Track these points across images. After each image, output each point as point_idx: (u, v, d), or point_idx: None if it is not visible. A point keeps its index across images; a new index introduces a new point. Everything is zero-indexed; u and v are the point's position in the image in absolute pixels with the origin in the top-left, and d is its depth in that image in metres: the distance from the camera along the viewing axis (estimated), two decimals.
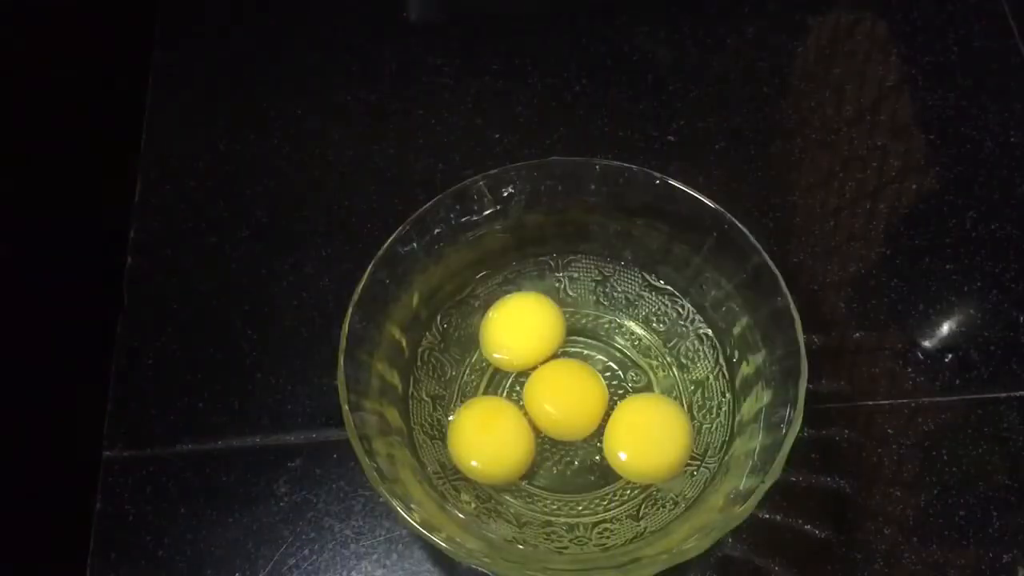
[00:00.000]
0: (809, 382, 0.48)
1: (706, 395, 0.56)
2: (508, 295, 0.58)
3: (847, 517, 0.54)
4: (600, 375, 0.57)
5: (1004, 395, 0.58)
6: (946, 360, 0.59)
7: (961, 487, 0.55)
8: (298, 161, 0.67)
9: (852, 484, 0.55)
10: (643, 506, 0.53)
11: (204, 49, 0.73)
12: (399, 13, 0.74)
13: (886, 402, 0.58)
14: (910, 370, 0.59)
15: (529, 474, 0.54)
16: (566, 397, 0.55)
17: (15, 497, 0.55)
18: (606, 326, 0.59)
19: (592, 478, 0.54)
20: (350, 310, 0.50)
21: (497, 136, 0.67)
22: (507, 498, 0.53)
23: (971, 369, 0.59)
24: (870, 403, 0.58)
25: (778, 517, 0.54)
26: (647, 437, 0.53)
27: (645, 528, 0.52)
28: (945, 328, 0.61)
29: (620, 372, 0.58)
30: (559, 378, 0.56)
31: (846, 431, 0.57)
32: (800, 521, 0.54)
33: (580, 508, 0.53)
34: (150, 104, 0.69)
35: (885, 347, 0.60)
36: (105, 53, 0.70)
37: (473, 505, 0.52)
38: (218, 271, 0.63)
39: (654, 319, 0.59)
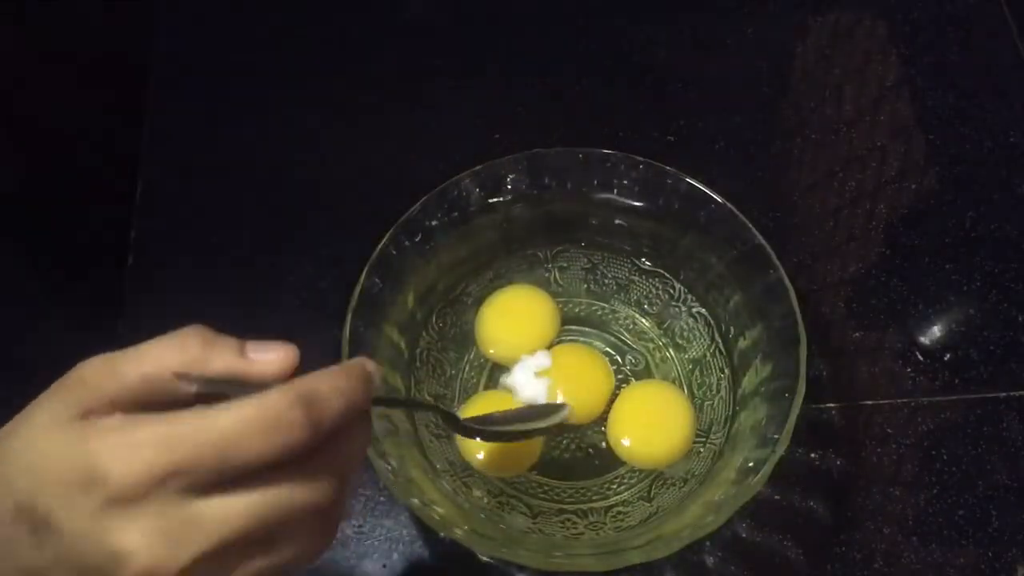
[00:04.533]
0: (808, 382, 0.48)
1: (704, 373, 0.56)
2: (499, 290, 0.58)
3: (847, 516, 0.54)
4: (604, 357, 0.57)
5: (1004, 395, 0.58)
6: (946, 360, 0.59)
7: (961, 487, 0.55)
8: (298, 161, 0.67)
9: (852, 484, 0.55)
10: (653, 487, 0.53)
11: (205, 51, 0.73)
12: (399, 13, 0.74)
13: (886, 402, 0.58)
14: (910, 370, 0.59)
15: (537, 464, 0.54)
16: (572, 380, 0.55)
17: None
18: (599, 313, 0.60)
19: (598, 463, 0.55)
20: (349, 317, 0.50)
21: (497, 136, 0.67)
22: (518, 491, 0.54)
23: (971, 369, 0.59)
24: (870, 403, 0.58)
25: (777, 517, 0.54)
26: (650, 424, 0.54)
27: (658, 508, 0.52)
28: (945, 328, 0.61)
29: (618, 357, 0.58)
30: (564, 362, 0.56)
31: (846, 431, 0.57)
32: (800, 521, 0.54)
33: (591, 494, 0.54)
34: (151, 105, 0.69)
35: (885, 347, 0.60)
36: (106, 55, 0.70)
37: (486, 500, 0.53)
38: (218, 271, 0.63)
39: (646, 302, 0.59)
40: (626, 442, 0.54)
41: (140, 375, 0.31)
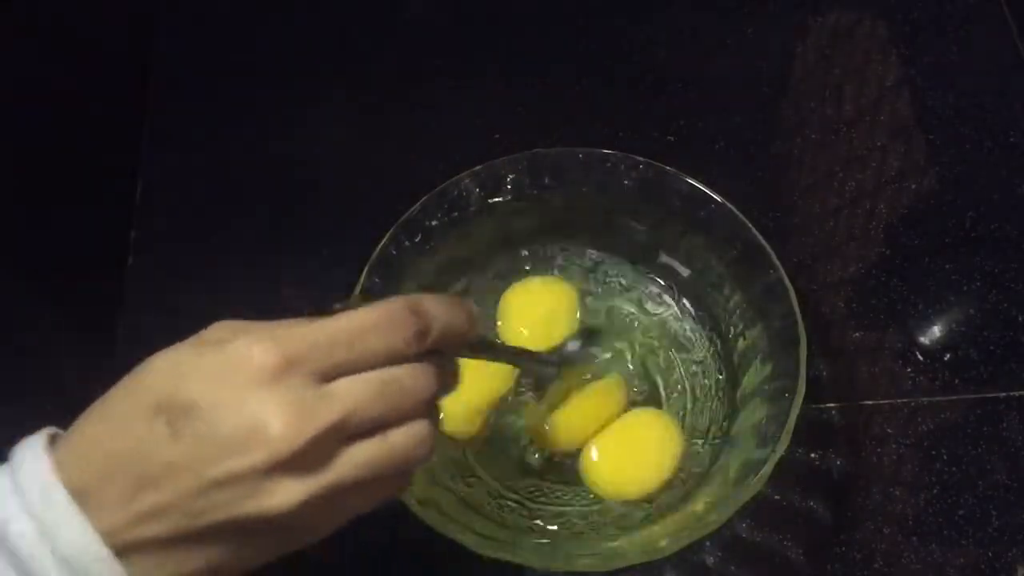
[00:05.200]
0: (808, 382, 0.48)
1: (704, 373, 0.56)
2: (519, 283, 0.58)
3: (847, 516, 0.54)
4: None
5: (1003, 395, 0.58)
6: (946, 360, 0.59)
7: (961, 487, 0.55)
8: (298, 161, 0.67)
9: (852, 484, 0.55)
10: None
11: (205, 51, 0.73)
12: (399, 13, 0.74)
13: (886, 402, 0.58)
14: (910, 370, 0.59)
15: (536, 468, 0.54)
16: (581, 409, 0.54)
17: None
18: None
19: None
20: None
21: (497, 136, 0.67)
22: (518, 492, 0.53)
23: (971, 369, 0.59)
24: (870, 403, 0.58)
25: (777, 517, 0.54)
26: (627, 463, 0.53)
27: (658, 508, 0.52)
28: (945, 328, 0.61)
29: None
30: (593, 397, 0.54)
31: (846, 431, 0.57)
32: (799, 521, 0.54)
33: (591, 496, 0.53)
34: (151, 105, 0.69)
35: (885, 347, 0.60)
36: (106, 56, 0.70)
37: (486, 500, 0.53)
38: (218, 271, 0.63)
39: (648, 302, 0.59)
40: (604, 482, 0.53)
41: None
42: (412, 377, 0.34)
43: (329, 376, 0.32)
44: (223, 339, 0.32)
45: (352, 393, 0.32)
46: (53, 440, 0.33)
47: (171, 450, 0.31)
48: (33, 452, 0.32)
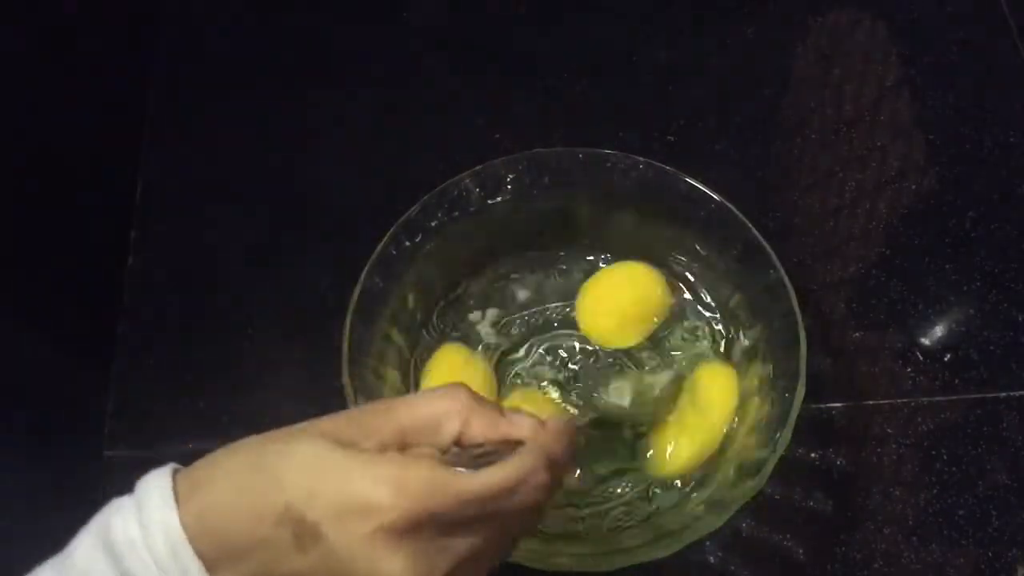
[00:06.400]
0: (808, 382, 0.48)
1: None
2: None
3: (847, 516, 0.54)
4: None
5: (1003, 395, 0.58)
6: (946, 360, 0.59)
7: (961, 487, 0.55)
8: (298, 161, 0.67)
9: (852, 484, 0.55)
10: (652, 487, 0.53)
11: (205, 51, 0.73)
12: (399, 13, 0.74)
13: (886, 402, 0.58)
14: (910, 370, 0.59)
15: None
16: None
17: (18, 499, 0.55)
18: None
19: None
20: (349, 317, 0.50)
21: (497, 136, 0.67)
22: None
23: (971, 369, 0.59)
24: (870, 403, 0.58)
25: (778, 517, 0.54)
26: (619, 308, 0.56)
27: (658, 507, 0.52)
28: (945, 328, 0.61)
29: None
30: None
31: (846, 431, 0.57)
32: (800, 520, 0.54)
33: (591, 495, 0.53)
34: (151, 107, 0.69)
35: (885, 347, 0.60)
36: (106, 55, 0.70)
37: None
38: (218, 271, 0.63)
39: None
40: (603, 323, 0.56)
41: (412, 420, 0.35)
42: (516, 524, 0.35)
43: (456, 527, 0.33)
44: (362, 445, 0.33)
45: (470, 547, 0.33)
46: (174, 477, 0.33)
47: (298, 561, 0.32)
48: (162, 503, 0.32)
